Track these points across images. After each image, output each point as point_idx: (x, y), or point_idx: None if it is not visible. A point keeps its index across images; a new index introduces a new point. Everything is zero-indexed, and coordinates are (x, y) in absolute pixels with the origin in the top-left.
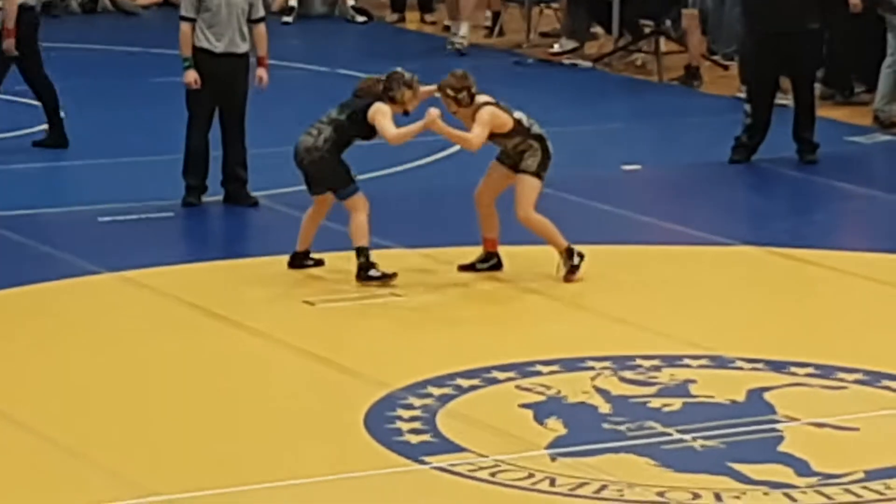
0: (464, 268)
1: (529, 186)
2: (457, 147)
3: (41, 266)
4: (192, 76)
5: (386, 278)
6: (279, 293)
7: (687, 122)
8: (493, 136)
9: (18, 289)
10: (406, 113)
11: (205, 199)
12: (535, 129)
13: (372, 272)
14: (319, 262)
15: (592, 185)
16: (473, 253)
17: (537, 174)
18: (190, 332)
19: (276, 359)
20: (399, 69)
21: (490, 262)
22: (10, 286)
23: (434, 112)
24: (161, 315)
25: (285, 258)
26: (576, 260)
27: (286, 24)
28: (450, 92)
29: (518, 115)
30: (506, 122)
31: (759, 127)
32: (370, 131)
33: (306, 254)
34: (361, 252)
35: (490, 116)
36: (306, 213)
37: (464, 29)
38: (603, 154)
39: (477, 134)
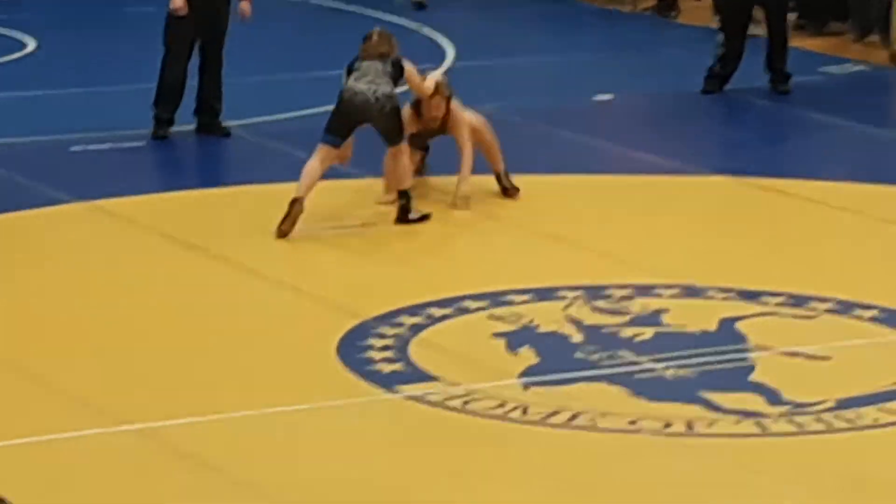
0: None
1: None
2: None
3: (12, 195)
4: (179, 2)
5: (424, 219)
6: (252, 223)
7: (660, 52)
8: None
9: None
10: None
11: (176, 128)
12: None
13: (412, 214)
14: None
15: (564, 115)
16: (441, 183)
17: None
18: (162, 262)
19: (249, 288)
20: (380, 29)
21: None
22: None
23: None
24: (133, 244)
25: (258, 187)
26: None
27: None
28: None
29: None
30: None
31: (731, 57)
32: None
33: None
34: (404, 195)
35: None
36: (316, 160)
37: None
38: (575, 84)
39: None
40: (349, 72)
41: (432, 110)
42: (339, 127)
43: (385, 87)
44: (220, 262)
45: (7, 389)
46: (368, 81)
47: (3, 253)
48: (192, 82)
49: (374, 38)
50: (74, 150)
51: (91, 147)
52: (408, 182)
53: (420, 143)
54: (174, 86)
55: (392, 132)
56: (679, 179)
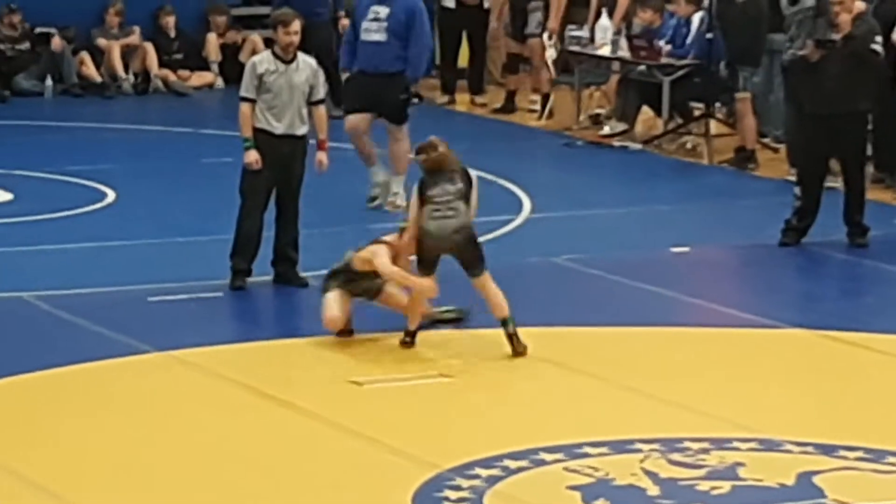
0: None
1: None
2: (510, 227)
3: (93, 345)
4: (253, 157)
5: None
6: (327, 373)
7: (736, 204)
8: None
9: (70, 367)
10: None
11: (254, 279)
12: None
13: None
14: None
15: (641, 267)
16: (521, 334)
17: None
18: (237, 412)
19: (324, 439)
20: (433, 139)
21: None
22: (61, 365)
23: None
24: (209, 394)
25: (334, 339)
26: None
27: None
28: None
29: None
30: None
31: (808, 209)
32: None
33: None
34: (510, 321)
35: None
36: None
37: (397, 185)
38: (652, 236)
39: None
40: (421, 193)
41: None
42: (426, 262)
43: (462, 212)
44: (296, 412)
45: None
46: (442, 210)
47: (81, 401)
48: (269, 233)
49: (441, 149)
50: (152, 301)
51: (169, 297)
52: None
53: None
54: (251, 236)
55: (473, 258)
56: (756, 332)
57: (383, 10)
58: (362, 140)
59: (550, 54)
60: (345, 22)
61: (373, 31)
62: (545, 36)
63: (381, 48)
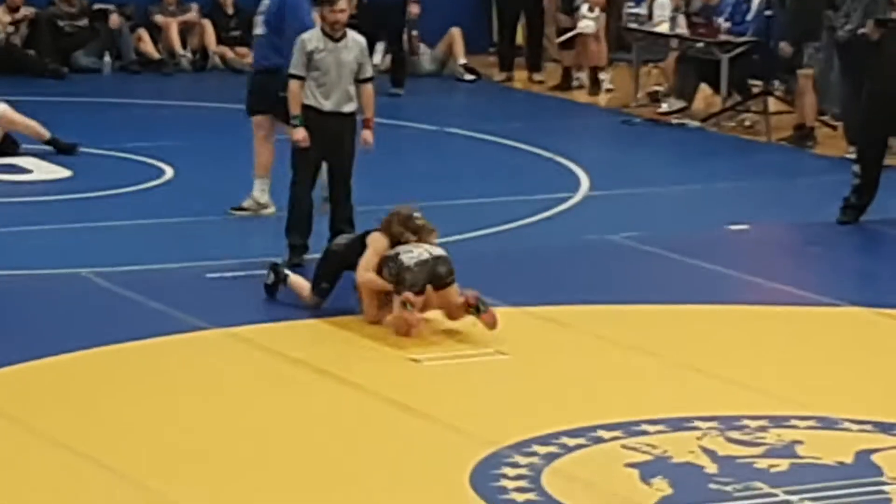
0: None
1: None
2: (568, 205)
3: (151, 321)
4: (301, 133)
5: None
6: (385, 350)
7: (795, 182)
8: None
9: (128, 344)
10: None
11: (311, 256)
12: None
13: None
14: None
15: (699, 245)
16: (578, 312)
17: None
18: (294, 388)
19: (382, 415)
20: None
21: None
22: (120, 341)
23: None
24: (266, 371)
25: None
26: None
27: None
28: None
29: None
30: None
31: (868, 187)
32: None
33: None
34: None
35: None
36: None
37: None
38: (710, 214)
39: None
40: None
41: None
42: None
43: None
44: (353, 389)
45: None
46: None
47: (140, 378)
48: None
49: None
50: (210, 277)
51: (227, 274)
52: None
53: None
54: (303, 211)
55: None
56: (815, 310)
57: (265, 1)
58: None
59: (586, 25)
60: (414, 9)
61: (257, 25)
62: (585, 7)
63: (259, 42)
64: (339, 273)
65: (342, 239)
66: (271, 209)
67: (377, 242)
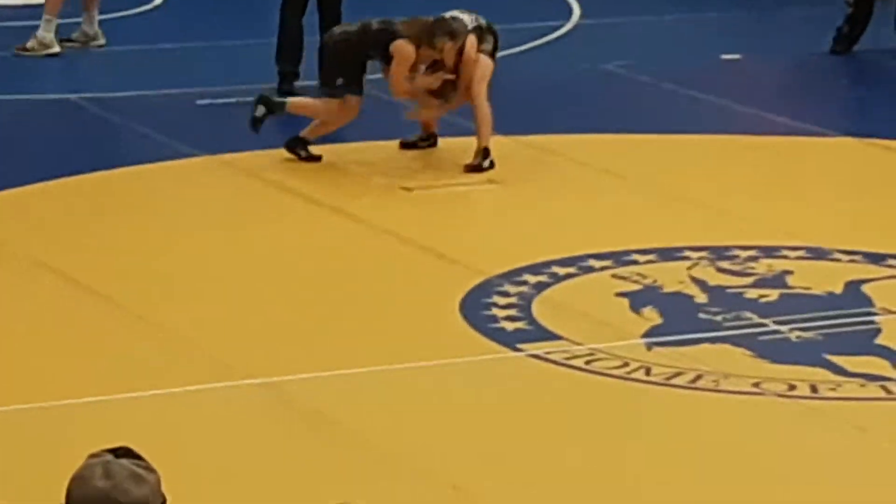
0: (405, 145)
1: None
2: (559, 33)
3: (140, 148)
4: None
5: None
6: (377, 179)
7: (788, 12)
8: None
9: (118, 170)
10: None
11: (302, 83)
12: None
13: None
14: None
15: (691, 75)
16: (571, 141)
17: None
18: (286, 216)
19: (373, 244)
20: (456, 14)
21: (428, 141)
22: (109, 167)
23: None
24: (257, 199)
25: (383, 143)
26: (486, 163)
27: None
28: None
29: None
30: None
31: (860, 17)
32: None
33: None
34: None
35: None
36: None
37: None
38: (702, 43)
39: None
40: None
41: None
42: None
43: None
44: (344, 218)
45: (136, 343)
46: None
47: (129, 207)
48: (311, 37)
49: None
50: (201, 104)
51: (217, 101)
52: None
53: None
54: (293, 37)
55: None
56: (807, 141)
57: None
58: None
59: None
60: None
61: None
62: None
63: None
64: (358, 66)
65: (344, 27)
66: (55, 48)
67: (404, 50)
